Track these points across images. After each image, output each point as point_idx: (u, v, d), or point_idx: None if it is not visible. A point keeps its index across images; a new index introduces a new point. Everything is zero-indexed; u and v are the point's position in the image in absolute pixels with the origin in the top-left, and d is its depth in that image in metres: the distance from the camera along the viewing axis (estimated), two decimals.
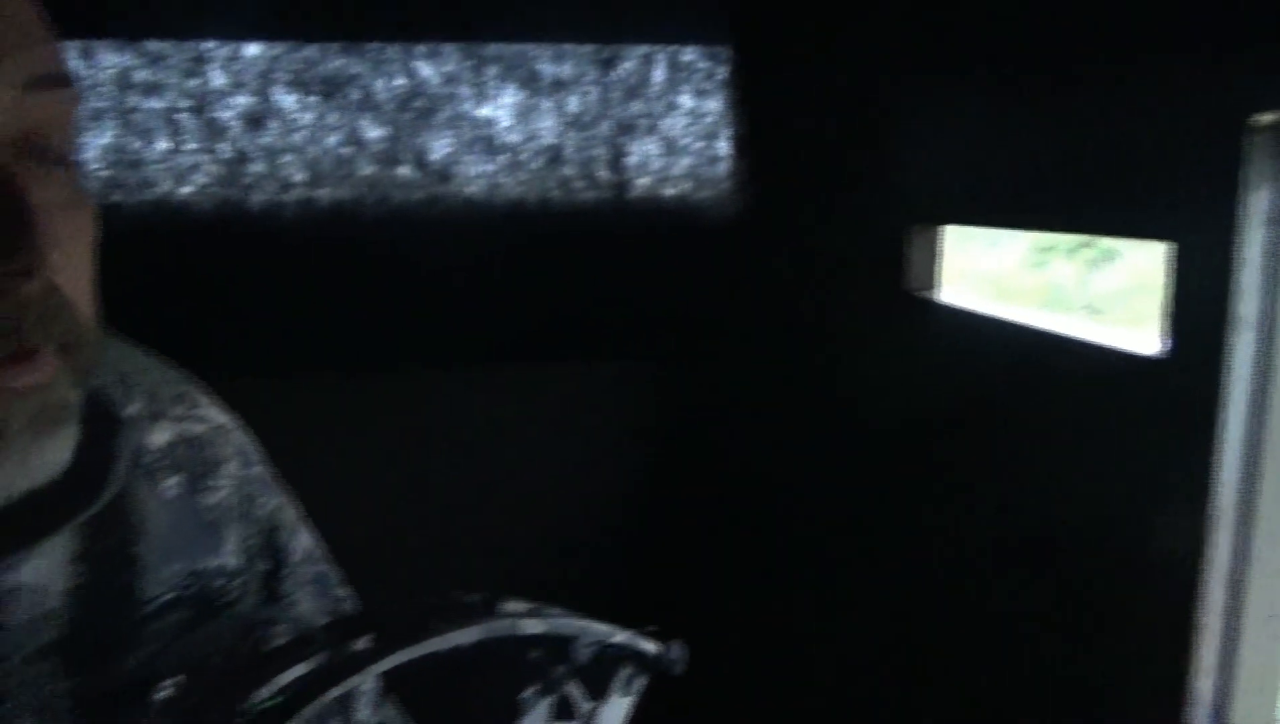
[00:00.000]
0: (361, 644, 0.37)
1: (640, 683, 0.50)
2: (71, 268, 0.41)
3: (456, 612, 0.39)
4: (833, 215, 1.35)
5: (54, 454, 0.41)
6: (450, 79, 1.51)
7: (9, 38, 0.38)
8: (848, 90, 1.31)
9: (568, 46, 1.53)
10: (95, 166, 1.36)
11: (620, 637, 0.47)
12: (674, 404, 1.63)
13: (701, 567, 1.62)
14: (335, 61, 1.47)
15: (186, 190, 1.41)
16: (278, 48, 1.44)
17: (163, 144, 1.40)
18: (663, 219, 1.58)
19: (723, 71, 1.55)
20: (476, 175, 1.52)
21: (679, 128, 1.56)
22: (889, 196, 1.20)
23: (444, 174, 1.51)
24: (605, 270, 1.57)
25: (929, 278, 1.13)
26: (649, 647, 0.48)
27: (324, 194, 1.46)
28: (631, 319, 1.61)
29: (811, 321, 1.43)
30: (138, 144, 1.39)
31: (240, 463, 0.57)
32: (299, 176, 1.45)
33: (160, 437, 0.52)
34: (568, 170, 1.55)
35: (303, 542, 0.62)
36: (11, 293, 0.37)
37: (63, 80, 0.40)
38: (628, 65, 1.55)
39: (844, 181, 1.32)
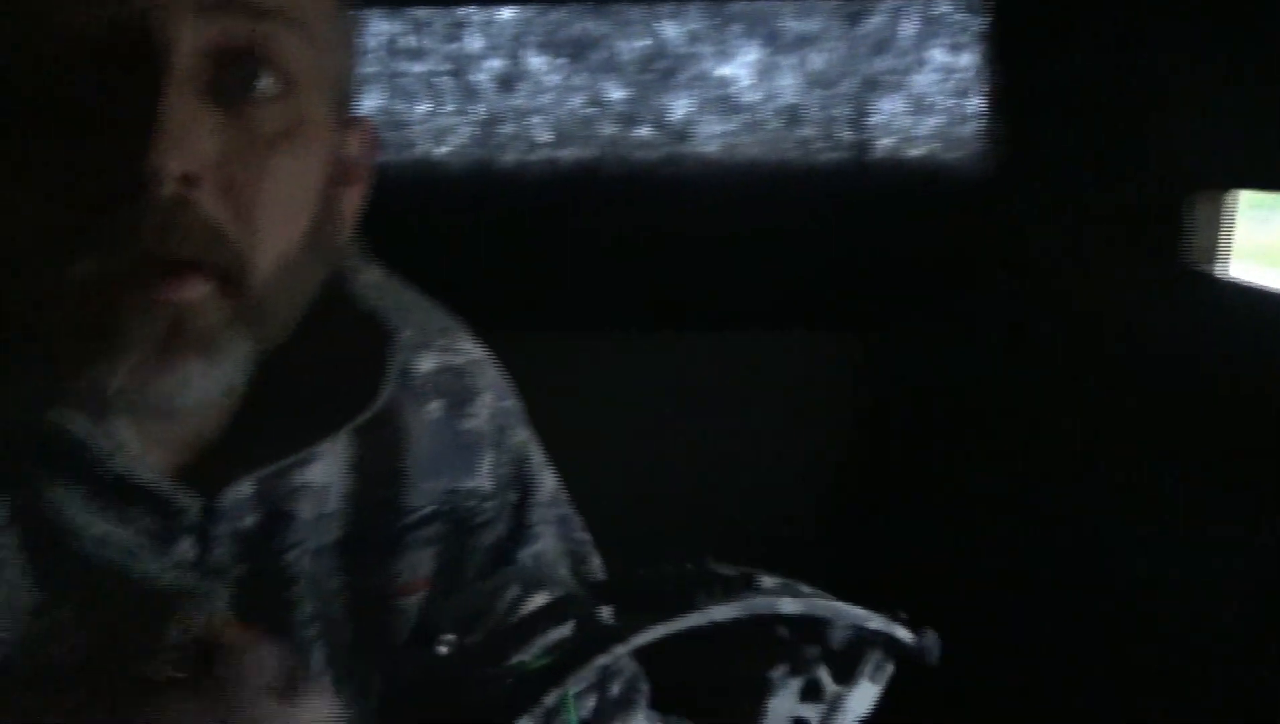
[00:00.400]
0: (624, 611, 0.37)
1: (888, 670, 0.48)
2: (245, 197, 0.40)
3: (718, 585, 0.39)
4: (1098, 180, 1.24)
5: (188, 382, 0.41)
6: (692, 38, 1.50)
7: None
8: (1119, 40, 1.20)
9: (814, 1, 1.49)
10: None
11: (875, 622, 0.45)
12: (914, 377, 1.57)
13: (909, 554, 1.55)
14: (582, 23, 1.49)
15: (443, 150, 1.49)
16: (530, 11, 1.48)
17: (423, 106, 1.47)
18: (907, 181, 1.51)
19: (978, 23, 1.46)
20: (714, 135, 1.51)
21: (928, 85, 1.49)
22: (1164, 158, 1.09)
23: (682, 134, 1.52)
24: (845, 234, 1.53)
25: (1213, 250, 1.02)
26: (903, 634, 0.46)
27: (567, 154, 1.50)
28: (874, 286, 1.55)
29: (1069, 296, 1.33)
30: (402, 106, 1.47)
31: (494, 395, 0.61)
32: (545, 137, 1.50)
33: (426, 363, 0.56)
34: (807, 130, 1.51)
35: (548, 480, 0.65)
36: (136, 199, 0.37)
37: (256, 11, 0.39)
38: (876, 19, 1.48)
39: (1112, 143, 1.21)
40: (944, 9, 1.47)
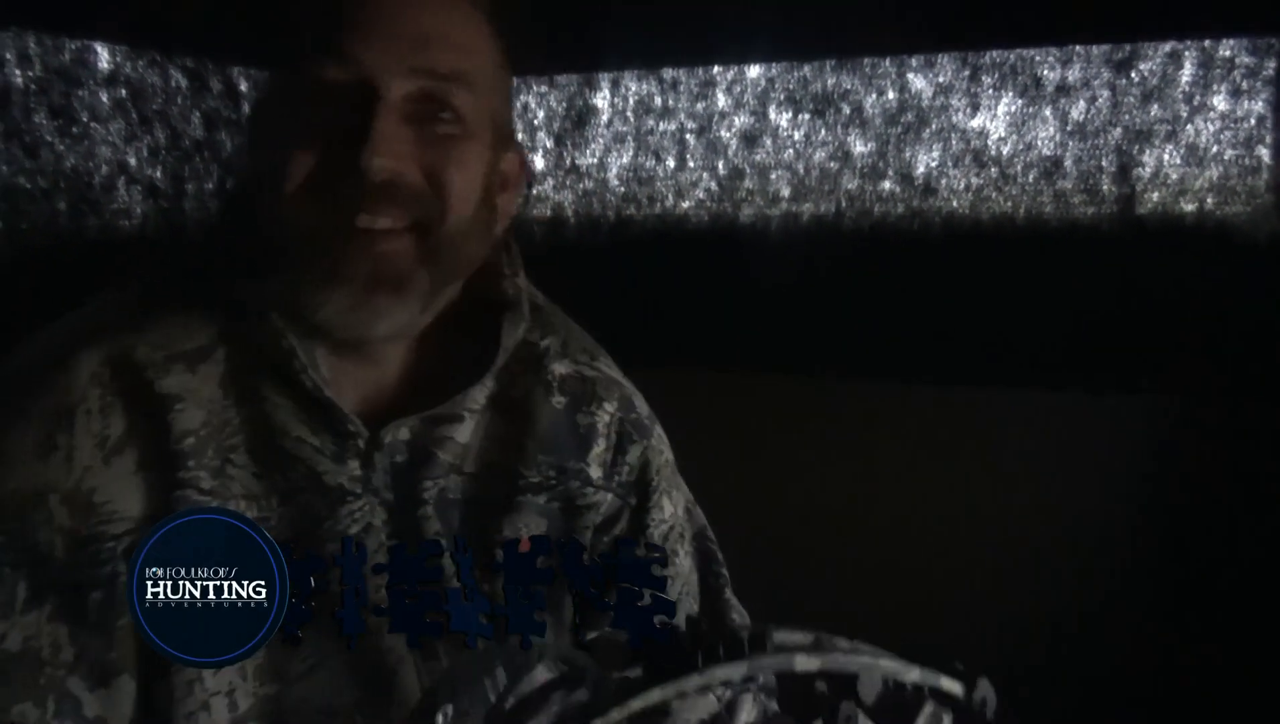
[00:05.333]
0: (633, 673, 0.39)
1: (946, 722, 0.46)
2: (435, 177, 0.56)
3: (728, 645, 0.39)
4: None
5: (382, 313, 0.55)
6: (942, 90, 1.47)
7: (405, 46, 0.55)
8: None
9: (1078, 48, 1.41)
10: (614, 185, 1.56)
11: (914, 674, 0.43)
12: (1190, 443, 1.41)
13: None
14: (829, 78, 1.51)
15: (686, 205, 1.55)
16: (776, 68, 1.52)
17: (670, 163, 1.55)
18: (1179, 237, 1.38)
19: (1271, 66, 1.32)
20: (962, 189, 1.46)
21: (1207, 133, 1.36)
22: None
23: (928, 188, 1.48)
24: (1103, 292, 1.42)
25: None
26: (950, 686, 0.44)
27: (807, 208, 1.51)
28: (1136, 348, 1.42)
29: None
30: (650, 163, 1.56)
31: (619, 405, 0.68)
32: (785, 192, 1.52)
33: (561, 368, 0.67)
34: (1065, 182, 1.43)
35: (692, 515, 0.69)
36: (355, 169, 0.53)
37: (440, 75, 0.56)
38: (1147, 65, 1.38)
39: None
40: (1229, 51, 1.33)
